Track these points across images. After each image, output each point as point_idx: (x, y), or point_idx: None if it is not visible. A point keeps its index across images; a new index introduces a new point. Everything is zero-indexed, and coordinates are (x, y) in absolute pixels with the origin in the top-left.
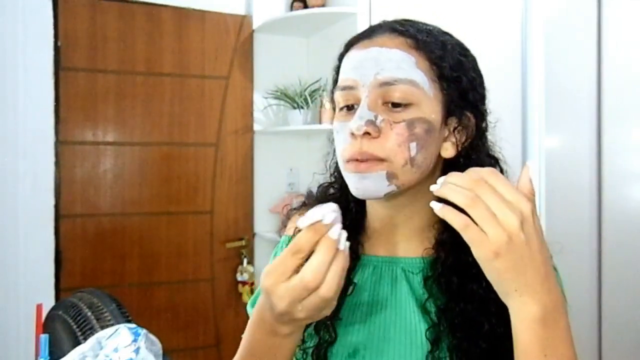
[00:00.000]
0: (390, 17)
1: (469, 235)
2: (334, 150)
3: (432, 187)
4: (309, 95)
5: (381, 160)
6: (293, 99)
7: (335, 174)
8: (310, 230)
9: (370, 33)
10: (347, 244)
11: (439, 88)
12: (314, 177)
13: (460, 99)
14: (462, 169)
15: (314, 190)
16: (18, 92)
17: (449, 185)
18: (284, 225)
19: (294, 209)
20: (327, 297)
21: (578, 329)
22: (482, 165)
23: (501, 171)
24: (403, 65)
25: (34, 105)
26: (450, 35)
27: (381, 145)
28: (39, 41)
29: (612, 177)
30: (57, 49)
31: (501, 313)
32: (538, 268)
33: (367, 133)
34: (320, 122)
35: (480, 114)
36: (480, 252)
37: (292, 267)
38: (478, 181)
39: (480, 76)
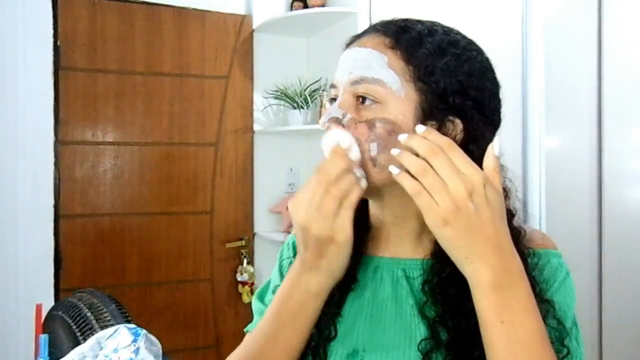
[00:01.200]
0: (390, 17)
1: (419, 201)
2: None
3: (393, 151)
4: (309, 95)
5: None
6: (293, 99)
7: None
8: (333, 154)
9: (361, 33)
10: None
11: (413, 89)
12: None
13: (441, 102)
14: None
15: None
16: (18, 91)
17: (406, 152)
18: (291, 225)
19: None
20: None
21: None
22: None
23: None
24: (373, 65)
25: (33, 105)
26: (451, 34)
27: None
28: (38, 41)
29: (612, 177)
30: (56, 48)
31: None
32: (489, 237)
33: (329, 129)
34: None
35: (472, 120)
36: (430, 219)
37: (320, 195)
38: (435, 151)
39: (480, 80)
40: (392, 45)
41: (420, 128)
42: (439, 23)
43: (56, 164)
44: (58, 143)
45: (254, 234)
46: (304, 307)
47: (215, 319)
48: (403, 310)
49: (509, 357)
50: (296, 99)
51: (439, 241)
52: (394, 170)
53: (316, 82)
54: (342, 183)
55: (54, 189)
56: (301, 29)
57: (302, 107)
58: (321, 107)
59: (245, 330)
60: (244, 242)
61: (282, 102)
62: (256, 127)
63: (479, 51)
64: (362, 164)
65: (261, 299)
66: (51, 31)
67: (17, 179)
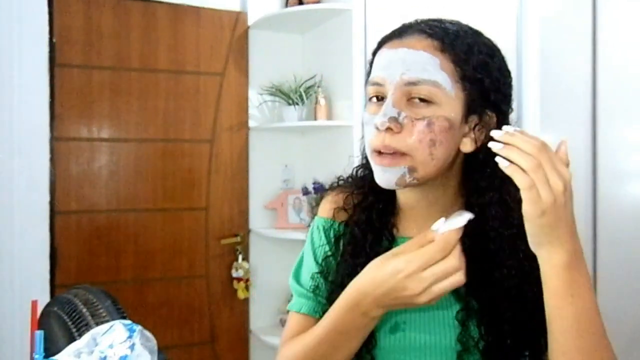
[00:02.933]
0: (385, 14)
1: (529, 194)
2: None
3: (493, 145)
4: (304, 91)
5: (403, 154)
6: (288, 96)
7: (367, 159)
8: (445, 240)
9: (400, 33)
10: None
11: (461, 88)
12: (310, 173)
13: (482, 98)
14: (481, 163)
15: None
16: (13, 88)
17: (514, 148)
18: (317, 204)
19: (329, 188)
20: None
21: None
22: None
23: None
24: (428, 67)
25: (29, 101)
26: (479, 35)
27: (403, 139)
28: (34, 38)
29: (607, 175)
30: (52, 45)
31: (521, 296)
32: (568, 225)
33: (389, 128)
34: (315, 119)
35: (502, 113)
36: (531, 209)
37: (430, 262)
38: (541, 149)
39: (505, 77)
40: (442, 48)
41: (509, 128)
42: (464, 23)
43: (52, 160)
44: (53, 139)
45: (249, 231)
46: (366, 327)
47: (210, 315)
48: None
49: (575, 325)
50: (291, 95)
51: (530, 229)
52: (503, 162)
53: (311, 78)
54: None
55: (49, 185)
56: (296, 26)
57: (297, 104)
58: (316, 103)
59: (288, 308)
60: (239, 239)
61: (277, 99)
62: (251, 123)
63: (500, 50)
64: (421, 158)
65: (297, 281)
66: (47, 28)
67: (13, 175)
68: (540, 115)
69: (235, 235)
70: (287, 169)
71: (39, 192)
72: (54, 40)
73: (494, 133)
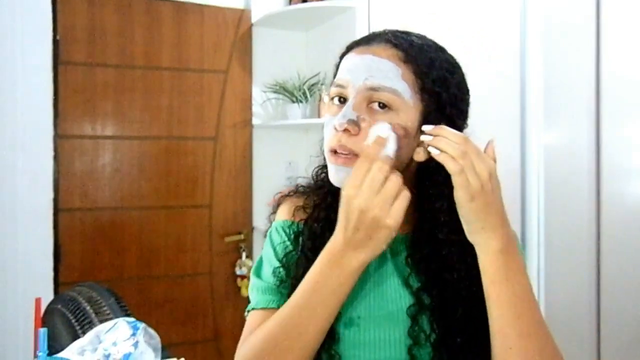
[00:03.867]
0: (388, 12)
1: (459, 179)
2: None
3: (424, 137)
4: (308, 89)
5: (356, 155)
6: (292, 93)
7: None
8: (373, 142)
9: (369, 40)
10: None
11: (419, 99)
12: (310, 169)
13: (438, 111)
14: (432, 172)
15: (302, 182)
16: (17, 86)
17: (443, 139)
18: (274, 212)
19: (285, 195)
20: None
21: (576, 324)
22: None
23: None
24: (390, 75)
25: (32, 99)
26: (443, 51)
27: (359, 141)
28: (37, 35)
29: (611, 173)
30: (55, 43)
31: (471, 297)
32: (499, 211)
33: (347, 130)
34: (319, 116)
35: (457, 127)
36: (462, 194)
37: (380, 181)
38: (466, 140)
39: (463, 93)
40: (405, 59)
41: (430, 127)
42: (429, 38)
43: (55, 158)
44: (57, 137)
45: (252, 228)
46: (343, 284)
47: (214, 312)
48: (389, 282)
49: (512, 308)
50: (295, 93)
51: (463, 215)
52: (434, 151)
53: (315, 76)
54: (394, 172)
55: (53, 182)
56: (300, 23)
57: (300, 101)
58: (320, 101)
59: (247, 309)
60: (242, 236)
61: (280, 96)
62: (255, 121)
63: (460, 66)
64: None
65: (259, 276)
66: (50, 25)
67: (17, 173)
68: (543, 112)
69: (239, 233)
70: (290, 167)
71: (42, 189)
72: (58, 38)
73: (425, 127)
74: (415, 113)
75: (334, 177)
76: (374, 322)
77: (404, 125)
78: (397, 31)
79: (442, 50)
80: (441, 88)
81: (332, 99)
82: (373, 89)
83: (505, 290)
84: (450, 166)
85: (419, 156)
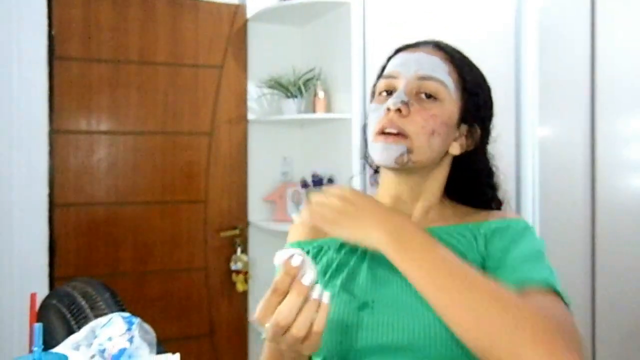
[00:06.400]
0: (383, 8)
1: (326, 226)
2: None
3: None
4: (303, 84)
5: (405, 136)
6: (287, 88)
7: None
8: (283, 272)
9: (417, 44)
10: (326, 294)
11: (460, 97)
12: (308, 166)
13: (475, 110)
14: (464, 166)
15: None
16: (12, 81)
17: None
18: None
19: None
20: (298, 336)
21: None
22: (481, 172)
23: (493, 179)
24: (438, 69)
25: (28, 94)
26: (476, 66)
27: (409, 123)
28: (33, 30)
29: (606, 167)
30: (51, 38)
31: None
32: (373, 213)
33: (399, 110)
34: (314, 111)
35: (486, 130)
36: (328, 228)
37: (274, 305)
38: (319, 203)
39: (491, 102)
40: (450, 60)
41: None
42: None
43: (50, 153)
44: (52, 132)
45: (248, 223)
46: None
47: (209, 307)
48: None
49: (431, 281)
50: (290, 88)
51: (343, 238)
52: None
53: (310, 71)
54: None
55: (48, 178)
56: (295, 19)
57: (296, 96)
58: (315, 96)
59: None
60: (238, 231)
61: (276, 91)
62: (250, 116)
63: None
64: (419, 143)
65: None
66: (46, 20)
67: (12, 168)
68: (538, 106)
69: (234, 228)
70: (285, 162)
71: (37, 184)
72: (53, 32)
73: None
74: (456, 108)
75: (382, 155)
76: (388, 305)
77: (448, 116)
78: (441, 41)
79: (475, 65)
80: (479, 90)
81: (381, 92)
82: (423, 78)
83: (417, 270)
84: (315, 220)
85: (455, 150)
